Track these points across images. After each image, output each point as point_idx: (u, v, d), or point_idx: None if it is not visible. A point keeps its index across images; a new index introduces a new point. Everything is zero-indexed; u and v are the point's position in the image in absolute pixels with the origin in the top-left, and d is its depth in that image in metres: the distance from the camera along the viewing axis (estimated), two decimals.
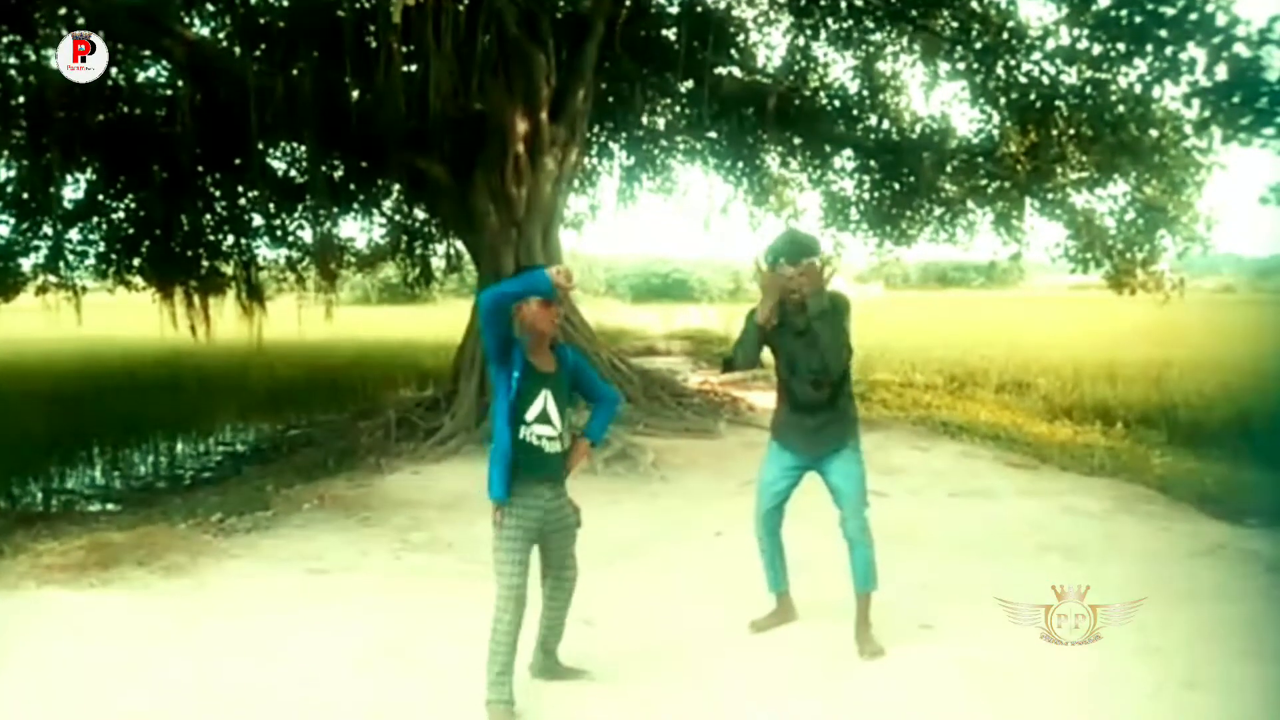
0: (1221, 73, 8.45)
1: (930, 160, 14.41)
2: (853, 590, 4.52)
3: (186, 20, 12.14)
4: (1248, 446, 9.93)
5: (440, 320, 20.82)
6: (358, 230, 18.43)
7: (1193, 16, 8.85)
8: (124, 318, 19.93)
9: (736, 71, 15.24)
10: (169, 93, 12.97)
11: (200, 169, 14.06)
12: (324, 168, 13.65)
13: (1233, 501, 7.56)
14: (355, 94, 11.80)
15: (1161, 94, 10.49)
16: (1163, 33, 9.28)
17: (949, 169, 14.58)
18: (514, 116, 11.26)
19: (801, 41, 15.04)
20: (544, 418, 3.85)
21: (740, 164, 16.76)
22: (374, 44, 10.63)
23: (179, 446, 12.29)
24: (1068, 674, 4.15)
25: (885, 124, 15.22)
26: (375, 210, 16.48)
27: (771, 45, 15.76)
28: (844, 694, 4.05)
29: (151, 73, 13.44)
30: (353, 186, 15.27)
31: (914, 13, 13.57)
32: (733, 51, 15.05)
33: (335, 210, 14.60)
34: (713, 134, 15.95)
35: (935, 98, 25.35)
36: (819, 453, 4.56)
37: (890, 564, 4.54)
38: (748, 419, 11.44)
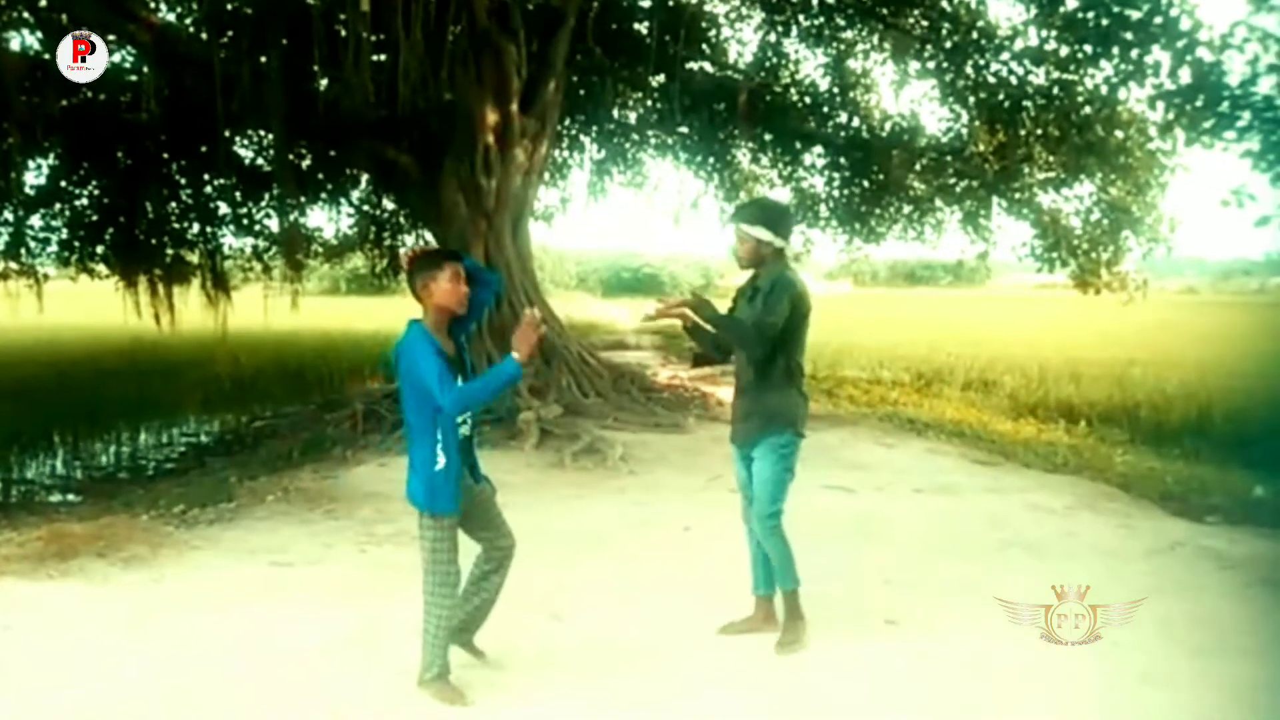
0: (1185, 76, 8.57)
1: (899, 158, 14.50)
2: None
3: (152, 5, 11.97)
4: (1207, 445, 10.10)
5: (408, 311, 20.56)
6: (325, 220, 18.27)
7: (1158, 20, 8.98)
8: (87, 306, 19.60)
9: (708, 67, 15.25)
10: (134, 79, 12.78)
11: (165, 156, 13.88)
12: (291, 156, 13.51)
13: (1193, 499, 7.68)
14: (324, 82, 11.68)
15: (1127, 96, 10.67)
16: (1128, 35, 9.40)
17: (918, 167, 14.69)
18: (484, 107, 11.20)
19: (773, 38, 15.08)
20: None
21: (711, 159, 16.79)
22: (343, 32, 10.53)
23: (141, 437, 12.13)
24: (1028, 668, 4.20)
25: (855, 121, 15.32)
26: (343, 200, 16.34)
27: (743, 41, 15.81)
28: (806, 687, 4.07)
29: (116, 58, 13.23)
30: (320, 176, 15.13)
31: (884, 11, 13.64)
32: (704, 47, 15.06)
33: (302, 199, 14.46)
34: (684, 129, 15.96)
35: (905, 96, 25.53)
36: (742, 441, 4.51)
37: (855, 559, 4.57)
38: (717, 414, 11.47)
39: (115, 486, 9.21)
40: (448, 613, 3.85)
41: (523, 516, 4.30)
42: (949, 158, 14.31)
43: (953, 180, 14.61)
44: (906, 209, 15.66)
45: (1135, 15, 9.25)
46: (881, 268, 63.36)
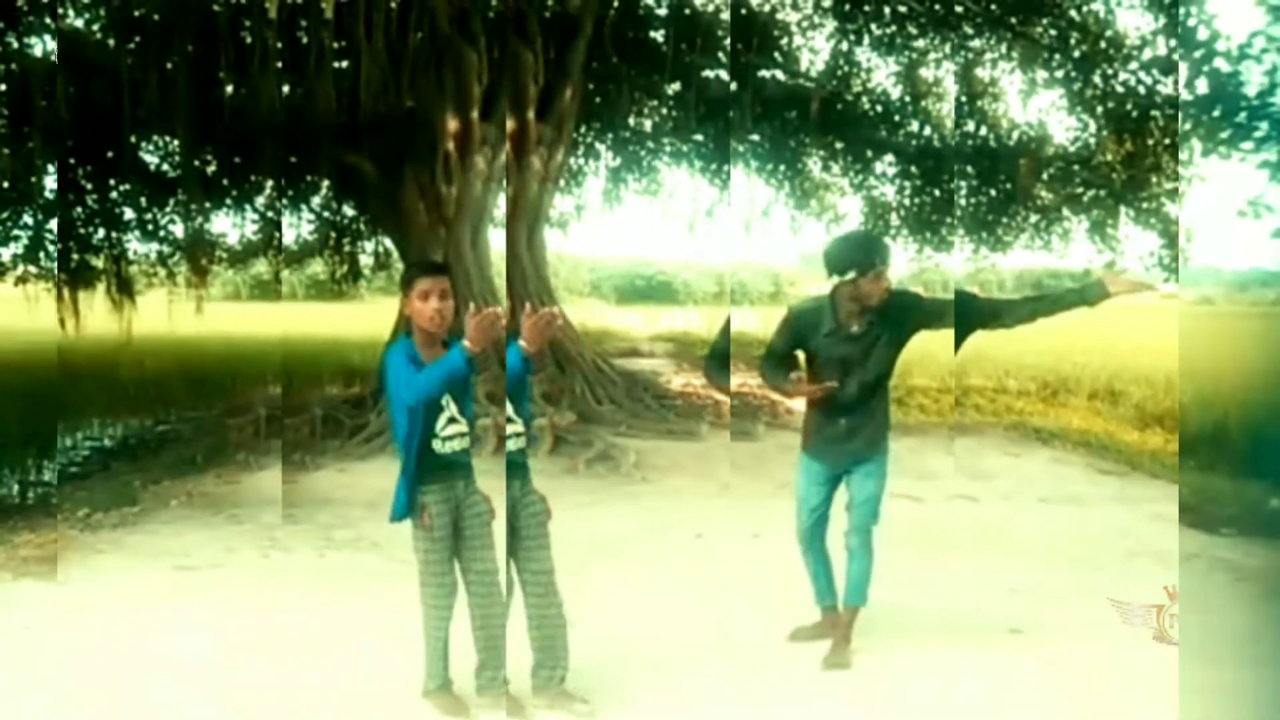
0: (1202, 86, 8.55)
1: (1026, 167, 14.48)
2: (846, 603, 4.48)
3: (60, 11, 12.02)
4: (1222, 457, 10.03)
5: (368, 318, 20.46)
6: (230, 226, 18.10)
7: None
8: None
9: (780, 74, 15.28)
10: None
11: (71, 161, 13.82)
12: (197, 163, 13.46)
13: (1208, 511, 7.63)
14: (229, 89, 11.69)
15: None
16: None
17: (1045, 176, 14.67)
18: (444, 115, 11.22)
19: (845, 46, 15.14)
20: (453, 420, 3.78)
21: (782, 167, 16.72)
22: (249, 39, 10.59)
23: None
24: (1158, 674, 4.17)
25: (926, 130, 15.36)
26: (248, 206, 16.13)
27: (815, 49, 15.82)
28: (931, 694, 4.12)
29: None
30: (225, 182, 14.95)
31: (1013, 20, 13.69)
32: (776, 54, 15.10)
33: (207, 205, 14.46)
34: (699, 136, 15.95)
35: (1032, 105, 25.33)
36: (846, 463, 4.44)
37: (980, 568, 4.57)
38: (729, 422, 11.47)
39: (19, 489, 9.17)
40: (441, 623, 3.80)
41: None
42: (1076, 167, 14.30)
43: (1080, 189, 14.56)
44: (1033, 218, 15.49)
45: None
46: (1009, 277, 62.79)
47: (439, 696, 3.89)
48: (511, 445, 3.98)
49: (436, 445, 3.74)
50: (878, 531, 4.46)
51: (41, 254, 14.64)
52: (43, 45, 11.92)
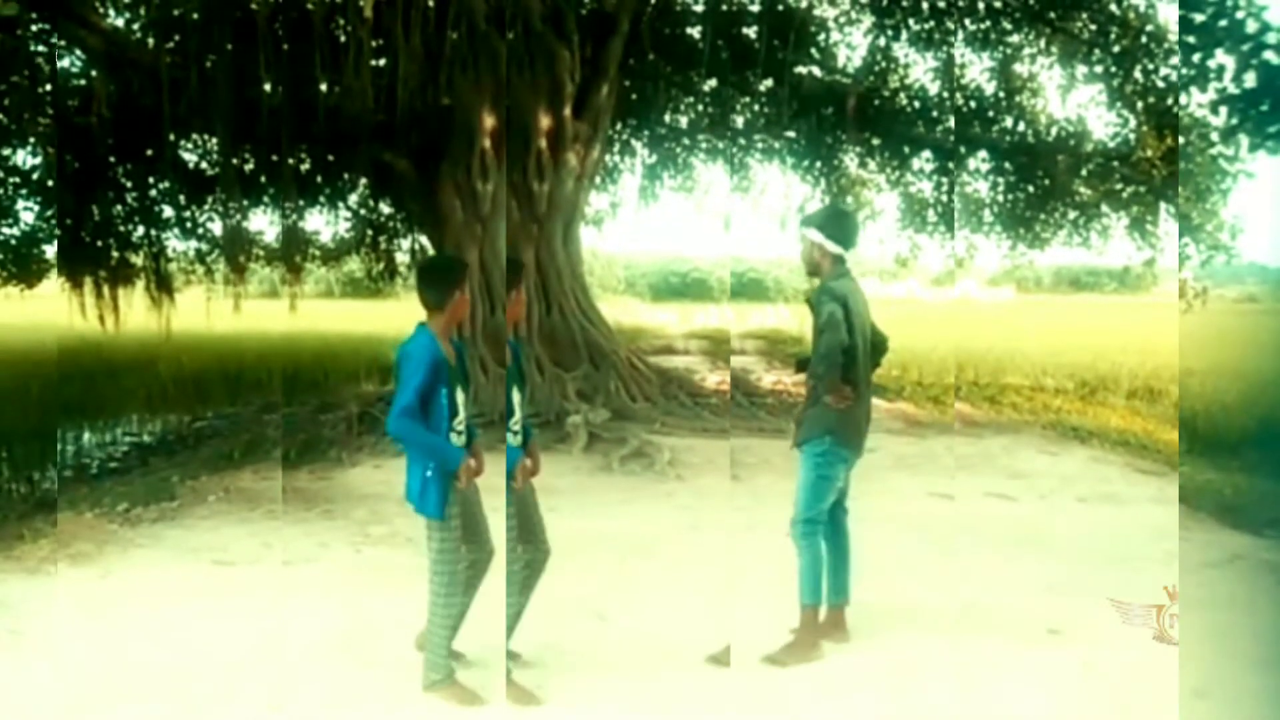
0: (1250, 80, 8.38)
1: (1065, 163, 14.36)
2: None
3: (101, 11, 12.20)
4: (1267, 458, 9.84)
5: (404, 315, 20.20)
6: (266, 223, 18.20)
7: (1222, 23, 8.79)
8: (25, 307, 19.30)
9: (816, 71, 15.22)
10: (82, 83, 12.95)
11: (112, 160, 13.93)
12: (235, 160, 13.50)
13: (1252, 512, 7.50)
14: (268, 87, 11.78)
15: (1189, 100, 10.47)
16: (1190, 39, 9.24)
17: (1084, 172, 14.55)
18: (482, 112, 11.24)
19: (882, 42, 15.06)
20: (460, 413, 3.86)
21: (819, 163, 16.65)
22: (287, 38, 10.76)
23: (85, 436, 11.96)
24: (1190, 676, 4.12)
25: (964, 125, 15.24)
26: (285, 204, 16.23)
27: (853, 45, 15.75)
28: (967, 692, 4.08)
29: (65, 63, 13.35)
30: (263, 179, 14.80)
31: (1052, 15, 13.60)
32: (813, 51, 15.04)
33: (244, 203, 14.46)
34: (792, 134, 15.93)
35: (1071, 100, 25.11)
36: (859, 446, 4.50)
37: (1017, 567, 4.54)
38: (765, 420, 11.41)
39: (61, 485, 9.24)
40: (450, 616, 3.83)
41: (569, 520, 4.34)
42: (1116, 163, 14.12)
43: (1120, 186, 14.43)
44: (1072, 214, 15.38)
45: (1199, 18, 9.09)
46: (1046, 274, 62.10)
47: (447, 688, 3.88)
48: (512, 440, 4.06)
49: (454, 439, 3.81)
50: (921, 529, 4.43)
51: (80, 253, 14.82)
52: (68, 51, 12.13)
